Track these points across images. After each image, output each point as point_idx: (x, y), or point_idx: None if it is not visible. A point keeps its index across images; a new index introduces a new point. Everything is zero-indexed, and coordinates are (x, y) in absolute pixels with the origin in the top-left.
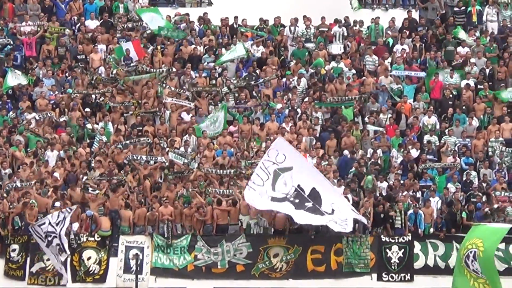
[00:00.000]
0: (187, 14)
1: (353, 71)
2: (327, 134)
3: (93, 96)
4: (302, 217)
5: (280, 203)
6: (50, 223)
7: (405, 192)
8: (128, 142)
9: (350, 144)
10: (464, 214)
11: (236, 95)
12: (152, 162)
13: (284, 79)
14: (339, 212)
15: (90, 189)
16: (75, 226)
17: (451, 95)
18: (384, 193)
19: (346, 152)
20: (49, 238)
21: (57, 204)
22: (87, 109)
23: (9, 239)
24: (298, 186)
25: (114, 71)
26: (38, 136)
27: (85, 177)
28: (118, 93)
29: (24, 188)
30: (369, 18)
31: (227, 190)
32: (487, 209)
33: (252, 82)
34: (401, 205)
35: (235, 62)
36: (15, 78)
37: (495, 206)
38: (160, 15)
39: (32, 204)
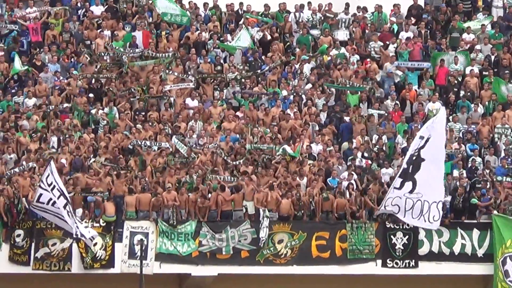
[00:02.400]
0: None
1: (357, 56)
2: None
3: (99, 80)
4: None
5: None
6: (45, 189)
7: None
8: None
9: (359, 132)
10: (475, 200)
11: (243, 80)
12: (155, 148)
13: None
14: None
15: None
16: (79, 211)
17: (455, 82)
18: (388, 180)
19: (344, 144)
20: (55, 205)
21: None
22: (91, 95)
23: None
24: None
25: (120, 54)
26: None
27: (92, 160)
28: (122, 79)
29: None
30: (376, 4)
31: (232, 178)
32: (492, 197)
33: (258, 71)
34: None
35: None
36: (22, 64)
37: (502, 196)
38: (171, 1)
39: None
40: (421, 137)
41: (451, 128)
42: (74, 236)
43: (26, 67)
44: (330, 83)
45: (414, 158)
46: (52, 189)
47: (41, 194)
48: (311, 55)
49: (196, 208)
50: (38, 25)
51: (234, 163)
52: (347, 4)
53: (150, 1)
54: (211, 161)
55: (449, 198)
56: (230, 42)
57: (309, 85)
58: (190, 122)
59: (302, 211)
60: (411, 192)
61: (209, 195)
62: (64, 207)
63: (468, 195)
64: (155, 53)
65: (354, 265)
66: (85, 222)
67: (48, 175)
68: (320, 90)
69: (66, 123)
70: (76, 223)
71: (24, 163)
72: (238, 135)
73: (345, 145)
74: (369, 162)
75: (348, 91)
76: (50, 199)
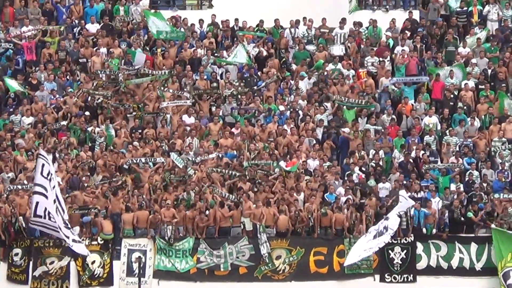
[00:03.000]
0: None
1: (352, 71)
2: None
3: (94, 98)
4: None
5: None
6: (40, 192)
7: (408, 194)
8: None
9: (356, 147)
10: (470, 214)
11: (239, 96)
12: (151, 164)
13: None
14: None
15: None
16: (76, 229)
17: (451, 96)
18: (386, 194)
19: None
20: (52, 219)
21: None
22: (87, 113)
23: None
24: None
25: (116, 72)
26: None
27: (86, 184)
28: (119, 96)
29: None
30: (370, 19)
31: (230, 195)
32: (489, 210)
33: (255, 87)
34: None
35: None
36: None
37: (498, 210)
38: (163, 20)
39: None
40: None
41: (447, 142)
42: (69, 244)
43: (23, 88)
44: (340, 101)
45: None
46: (50, 181)
47: (37, 203)
48: (307, 71)
49: (194, 225)
50: (32, 44)
51: (231, 179)
52: (343, 19)
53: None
54: (208, 178)
55: (440, 204)
56: (226, 58)
57: (303, 101)
58: (186, 139)
59: (300, 227)
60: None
61: (207, 211)
62: (56, 209)
63: (465, 209)
64: (151, 71)
65: (352, 280)
66: (83, 240)
67: (43, 168)
68: (317, 106)
69: (62, 141)
70: (70, 235)
71: (25, 181)
72: (235, 152)
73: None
74: (362, 176)
75: (344, 106)
76: (45, 208)
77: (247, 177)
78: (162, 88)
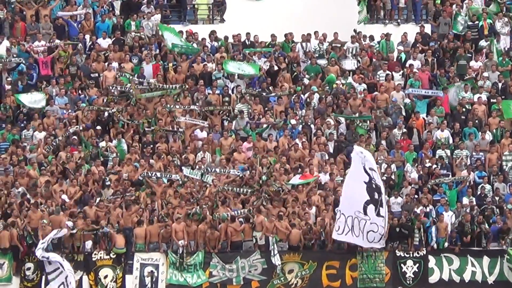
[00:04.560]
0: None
1: (364, 85)
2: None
3: (106, 113)
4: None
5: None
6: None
7: (421, 207)
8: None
9: None
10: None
11: (250, 111)
12: (165, 180)
13: (294, 95)
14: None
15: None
16: (89, 244)
17: (463, 109)
18: (398, 209)
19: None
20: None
21: (69, 223)
22: (99, 127)
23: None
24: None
25: (128, 85)
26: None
27: (98, 199)
28: (130, 111)
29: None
30: (381, 33)
31: (241, 211)
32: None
33: (264, 94)
34: (419, 222)
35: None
36: (32, 99)
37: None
38: (177, 35)
39: (43, 224)
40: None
41: (458, 155)
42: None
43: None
44: (337, 113)
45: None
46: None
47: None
48: (320, 85)
49: (206, 239)
50: (48, 59)
51: (243, 195)
52: (355, 32)
53: (160, 33)
54: (221, 193)
55: (453, 218)
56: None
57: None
58: (198, 153)
59: (313, 241)
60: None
61: (219, 225)
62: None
63: (477, 222)
64: (162, 85)
65: None
66: (95, 254)
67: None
68: (328, 120)
69: (74, 156)
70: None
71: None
72: (247, 166)
73: None
74: None
75: (357, 120)
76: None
77: (260, 193)
78: (173, 103)
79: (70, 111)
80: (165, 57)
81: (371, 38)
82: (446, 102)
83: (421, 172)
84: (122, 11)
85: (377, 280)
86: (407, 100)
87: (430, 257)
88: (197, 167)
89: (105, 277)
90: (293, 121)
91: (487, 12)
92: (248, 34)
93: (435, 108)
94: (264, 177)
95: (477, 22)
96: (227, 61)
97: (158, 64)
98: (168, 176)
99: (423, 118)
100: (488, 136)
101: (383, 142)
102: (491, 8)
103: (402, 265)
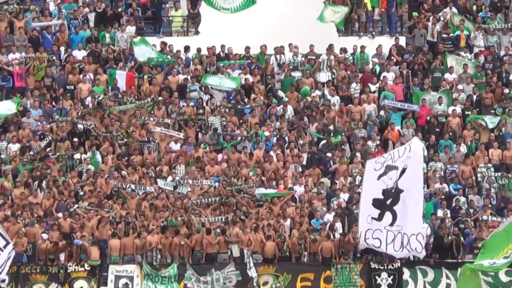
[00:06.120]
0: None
1: (337, 97)
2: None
3: (80, 126)
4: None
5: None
6: None
7: None
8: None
9: (342, 173)
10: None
11: (224, 123)
12: (140, 192)
13: (270, 107)
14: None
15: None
16: (62, 256)
17: (437, 122)
18: None
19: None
20: None
21: (44, 236)
22: (75, 139)
23: None
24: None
25: (101, 97)
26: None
27: (75, 205)
28: (105, 123)
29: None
30: (356, 45)
31: (215, 218)
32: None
33: (239, 106)
34: None
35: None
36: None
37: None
38: (148, 45)
39: (21, 233)
40: (396, 168)
41: (433, 167)
42: None
43: (17, 102)
44: (316, 132)
45: (392, 190)
46: None
47: None
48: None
49: (181, 251)
50: (23, 71)
51: (210, 200)
52: (330, 46)
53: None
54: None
55: (429, 230)
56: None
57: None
58: (173, 166)
59: (288, 253)
60: (391, 224)
61: (191, 236)
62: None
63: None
64: (134, 100)
65: None
66: (69, 266)
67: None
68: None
69: (50, 168)
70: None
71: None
72: (220, 177)
73: (327, 183)
74: (341, 201)
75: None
76: None
77: (233, 200)
78: (148, 115)
79: (44, 123)
80: (140, 69)
81: (344, 50)
82: (426, 115)
83: None
84: (96, 23)
85: None
86: (382, 112)
87: (405, 269)
88: (171, 178)
89: None
90: (266, 133)
91: (464, 24)
92: (222, 46)
93: (406, 120)
94: (236, 187)
95: (451, 34)
96: (208, 75)
97: (133, 73)
98: (143, 188)
99: (398, 130)
100: (463, 149)
101: (358, 154)
102: (467, 23)
103: (376, 277)
